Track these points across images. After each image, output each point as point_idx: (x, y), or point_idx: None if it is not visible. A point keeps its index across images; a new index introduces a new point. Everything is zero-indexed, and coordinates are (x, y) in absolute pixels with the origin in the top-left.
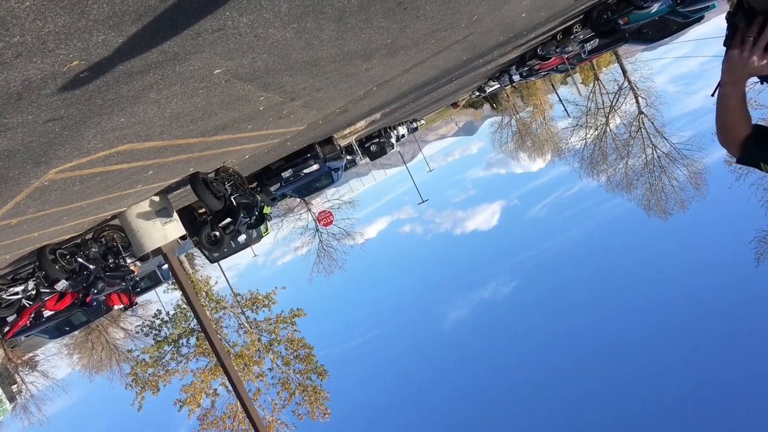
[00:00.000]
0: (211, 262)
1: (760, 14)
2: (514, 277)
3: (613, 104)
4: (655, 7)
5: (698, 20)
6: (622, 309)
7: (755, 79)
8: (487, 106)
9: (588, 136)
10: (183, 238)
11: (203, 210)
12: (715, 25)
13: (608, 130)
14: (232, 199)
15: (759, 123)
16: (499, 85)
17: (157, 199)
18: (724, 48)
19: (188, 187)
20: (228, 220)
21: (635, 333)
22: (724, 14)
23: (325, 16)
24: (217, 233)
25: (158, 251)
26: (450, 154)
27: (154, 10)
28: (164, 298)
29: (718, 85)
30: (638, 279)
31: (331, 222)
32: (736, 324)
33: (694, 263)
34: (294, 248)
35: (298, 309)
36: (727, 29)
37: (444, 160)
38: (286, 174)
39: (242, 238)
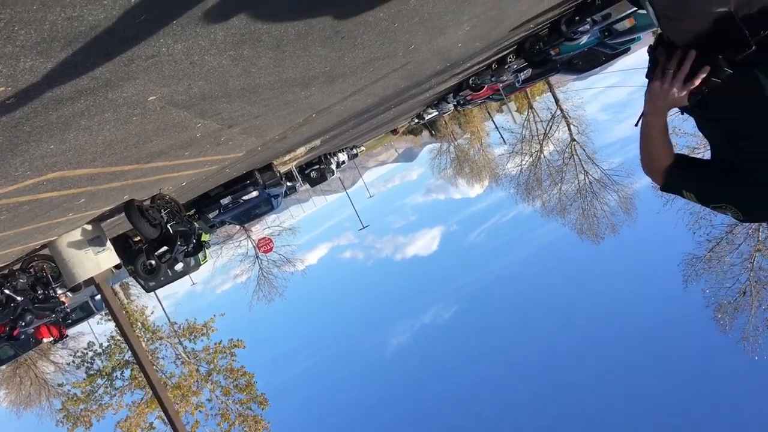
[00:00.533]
0: (147, 291)
1: (679, 48)
2: (455, 302)
3: (547, 132)
4: (584, 39)
5: (625, 52)
6: (559, 330)
7: (677, 109)
8: (426, 133)
9: (523, 162)
10: (117, 267)
11: (139, 238)
12: (640, 57)
13: (542, 156)
14: (168, 226)
15: (681, 152)
16: (437, 113)
17: (89, 227)
18: (647, 80)
19: (123, 215)
20: (164, 248)
21: (573, 353)
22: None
23: (263, 43)
24: (153, 262)
25: (91, 281)
26: (390, 180)
27: (85, 36)
28: (97, 330)
29: (641, 115)
30: (574, 301)
31: (271, 249)
32: (667, 343)
33: (627, 285)
34: (233, 276)
35: (237, 339)
36: (649, 62)
37: (384, 186)
38: (224, 201)
39: (179, 266)
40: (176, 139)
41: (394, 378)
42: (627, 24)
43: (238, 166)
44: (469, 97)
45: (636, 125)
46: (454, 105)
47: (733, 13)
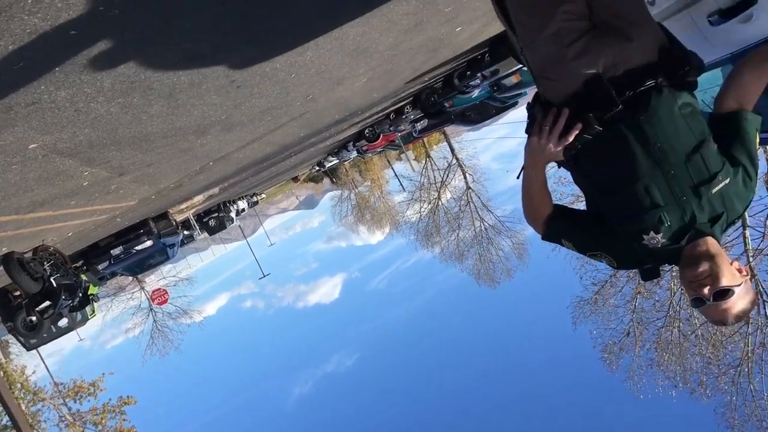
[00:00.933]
0: (28, 349)
1: (554, 106)
2: (357, 349)
3: (444, 180)
4: (475, 93)
5: (513, 105)
6: (459, 371)
7: (555, 163)
8: (327, 181)
9: (422, 209)
10: None
11: (19, 293)
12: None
13: (440, 203)
14: (51, 280)
15: (560, 203)
16: (338, 160)
17: None
18: (526, 135)
19: (1, 268)
20: (47, 303)
21: (472, 395)
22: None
23: (154, 91)
24: (35, 318)
25: None
26: (291, 228)
27: None
28: None
29: (522, 168)
30: (473, 344)
31: (165, 301)
32: (559, 381)
33: (522, 328)
34: (125, 330)
35: (128, 396)
36: (528, 118)
37: (285, 234)
38: (116, 251)
39: (64, 321)
40: (61, 188)
41: (297, 430)
42: (514, 80)
43: (131, 215)
44: (365, 148)
45: (518, 178)
46: (356, 152)
47: (601, 75)
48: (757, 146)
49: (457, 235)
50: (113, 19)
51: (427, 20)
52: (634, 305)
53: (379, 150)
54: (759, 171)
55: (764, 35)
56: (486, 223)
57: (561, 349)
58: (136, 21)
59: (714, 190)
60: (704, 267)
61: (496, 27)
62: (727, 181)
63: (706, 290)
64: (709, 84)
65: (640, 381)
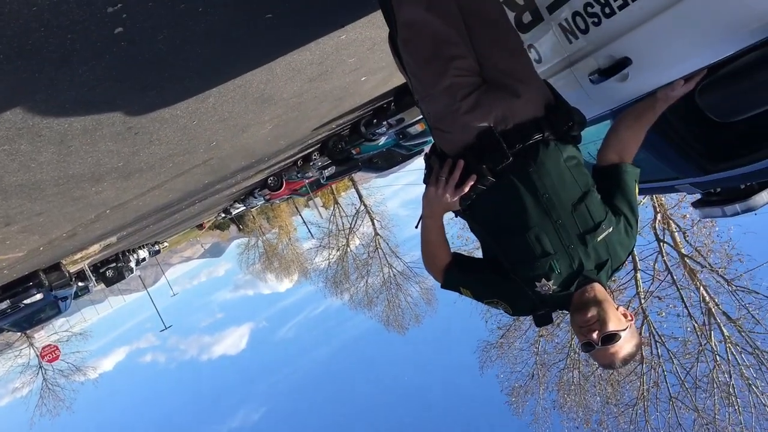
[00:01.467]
0: None
1: (449, 158)
2: (264, 402)
3: (352, 226)
4: (382, 140)
5: (419, 153)
6: (370, 418)
7: (452, 213)
8: (233, 228)
9: (331, 256)
10: None
11: None
12: None
13: (349, 250)
14: None
15: (457, 251)
16: (245, 207)
17: None
18: (424, 185)
19: None
20: None
21: None
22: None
23: (43, 138)
24: None
25: None
26: (196, 277)
27: None
28: None
29: (420, 218)
30: (384, 390)
31: (57, 357)
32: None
33: (432, 374)
34: (12, 390)
35: None
36: (426, 168)
37: (189, 284)
38: (2, 305)
39: None
40: None
41: None
42: (419, 128)
43: (19, 267)
44: (268, 197)
45: (416, 227)
46: (264, 199)
47: (492, 128)
48: (637, 196)
49: (366, 281)
50: None
51: (332, 70)
52: (537, 348)
53: (285, 197)
54: (640, 219)
55: (640, 93)
56: (395, 269)
57: (471, 393)
58: (23, 67)
59: (599, 239)
60: (592, 312)
61: (401, 77)
62: (610, 230)
63: (594, 335)
64: (592, 138)
65: (545, 423)
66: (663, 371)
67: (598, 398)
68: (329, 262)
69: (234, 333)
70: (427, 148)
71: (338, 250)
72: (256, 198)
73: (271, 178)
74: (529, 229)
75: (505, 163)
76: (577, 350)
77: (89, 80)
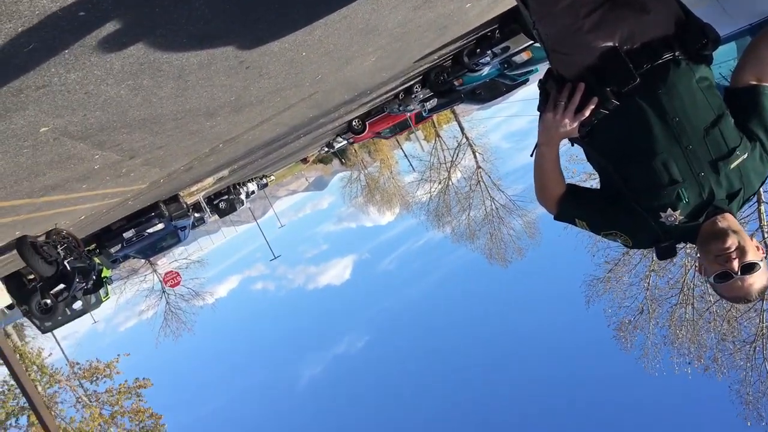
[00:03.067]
0: (43, 332)
1: (568, 82)
2: (368, 331)
3: (454, 159)
4: (485, 71)
5: (524, 83)
6: (471, 354)
7: (568, 140)
8: (336, 162)
9: (432, 189)
10: (10, 307)
11: (33, 276)
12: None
13: (450, 183)
14: (65, 263)
15: (572, 182)
16: (346, 141)
17: None
18: (539, 112)
19: (15, 252)
20: (61, 286)
21: (485, 377)
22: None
23: (163, 73)
24: (49, 301)
25: None
26: (301, 210)
27: None
28: None
29: (536, 146)
30: (485, 325)
31: (178, 283)
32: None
33: (535, 307)
34: (138, 312)
35: (143, 379)
36: (540, 95)
37: (295, 216)
38: (128, 234)
39: (78, 304)
40: (72, 172)
41: (308, 413)
42: (524, 56)
43: (142, 198)
44: (351, 140)
45: (531, 155)
46: (348, 142)
47: (617, 48)
48: None
49: (468, 214)
50: (121, 0)
51: None
52: (648, 283)
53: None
54: None
55: None
56: (497, 203)
57: (575, 328)
58: (144, 2)
59: (732, 166)
60: (732, 240)
61: (506, 3)
62: (744, 156)
63: (734, 263)
64: (724, 57)
65: (655, 359)
66: None
67: (713, 335)
68: (431, 196)
69: (338, 264)
70: (533, 78)
71: (440, 183)
72: (338, 142)
73: (356, 119)
74: (656, 155)
75: (632, 84)
76: (692, 285)
77: (205, 14)
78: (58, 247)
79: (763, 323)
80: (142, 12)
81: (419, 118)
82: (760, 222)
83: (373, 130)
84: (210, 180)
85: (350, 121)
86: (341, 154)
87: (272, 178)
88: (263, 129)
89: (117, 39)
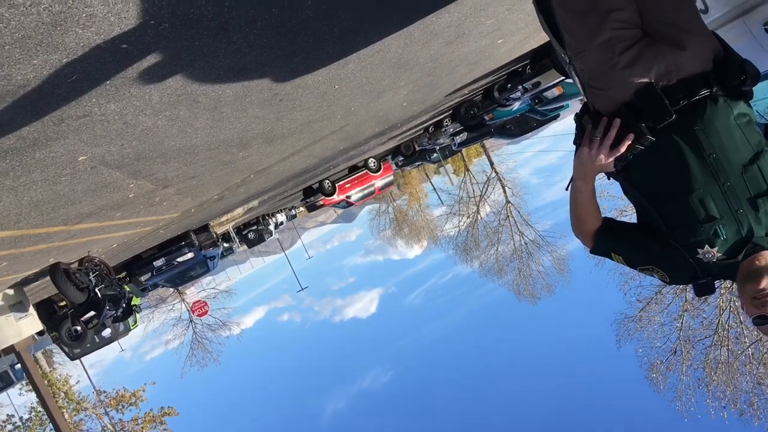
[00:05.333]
0: (72, 359)
1: (604, 117)
2: (393, 366)
3: (483, 194)
4: (516, 105)
5: (555, 118)
6: (497, 391)
7: (604, 174)
8: None
9: (461, 223)
10: (40, 333)
11: (65, 303)
12: (569, 123)
13: (479, 217)
14: (96, 290)
15: (609, 216)
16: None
17: (11, 292)
18: (575, 146)
19: (48, 278)
20: (92, 313)
21: (512, 415)
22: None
23: (200, 104)
24: (79, 328)
25: (11, 349)
26: (329, 241)
27: (12, 95)
28: (17, 401)
29: (571, 180)
30: (512, 362)
31: (206, 312)
32: (605, 401)
33: (564, 345)
34: (165, 341)
35: (168, 407)
36: (576, 129)
37: (323, 247)
38: (158, 263)
39: (107, 332)
40: (107, 200)
41: None
42: (556, 92)
43: (173, 227)
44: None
45: (566, 189)
46: (395, 165)
47: (653, 84)
48: None
49: (497, 249)
50: (162, 33)
51: (469, 32)
52: (681, 323)
53: (418, 163)
54: None
55: None
56: (526, 238)
57: (605, 368)
58: (184, 35)
59: None
60: (767, 282)
61: (538, 39)
62: None
63: None
64: (762, 95)
65: (689, 401)
66: None
67: (748, 378)
68: (459, 230)
69: (364, 297)
70: (564, 113)
71: (468, 217)
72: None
73: (373, 159)
74: (693, 191)
75: (668, 120)
76: (726, 326)
77: (242, 47)
78: (90, 274)
79: None
80: (182, 45)
81: (384, 187)
82: None
83: (344, 192)
84: (240, 210)
85: (321, 181)
86: None
87: (301, 209)
88: (294, 160)
89: (157, 71)
